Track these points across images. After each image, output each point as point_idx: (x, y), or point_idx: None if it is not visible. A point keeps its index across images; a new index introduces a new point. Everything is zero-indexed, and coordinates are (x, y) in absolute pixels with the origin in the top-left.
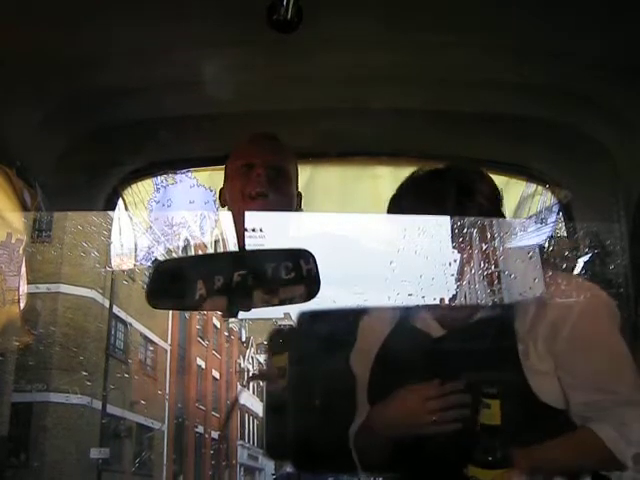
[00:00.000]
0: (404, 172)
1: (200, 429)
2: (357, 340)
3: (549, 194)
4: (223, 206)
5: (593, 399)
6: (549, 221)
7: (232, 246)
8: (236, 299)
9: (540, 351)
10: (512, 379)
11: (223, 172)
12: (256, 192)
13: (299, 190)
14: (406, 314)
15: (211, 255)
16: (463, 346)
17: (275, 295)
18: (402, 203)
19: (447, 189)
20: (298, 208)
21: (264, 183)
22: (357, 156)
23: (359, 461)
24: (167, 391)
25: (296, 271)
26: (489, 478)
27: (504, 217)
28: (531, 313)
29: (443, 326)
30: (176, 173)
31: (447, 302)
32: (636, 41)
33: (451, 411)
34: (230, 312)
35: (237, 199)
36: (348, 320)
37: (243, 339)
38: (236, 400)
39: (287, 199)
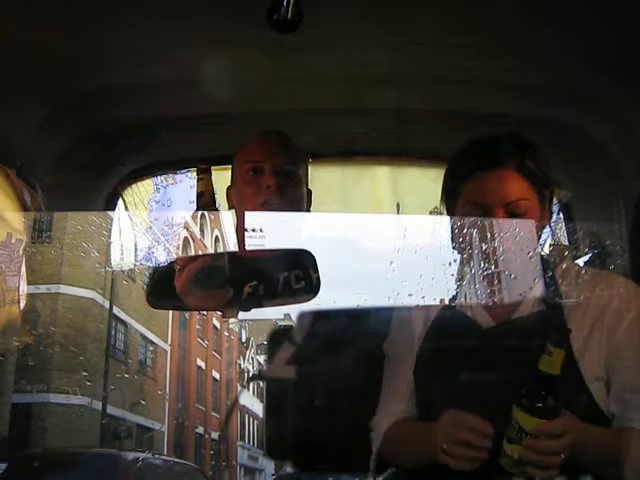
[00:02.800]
0: (404, 172)
1: (200, 429)
2: (392, 328)
3: None
4: (231, 207)
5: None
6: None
7: (232, 246)
8: (245, 309)
9: (594, 351)
10: (565, 377)
11: (230, 171)
12: (266, 203)
13: (309, 187)
14: (454, 301)
15: (218, 259)
16: (513, 340)
17: (283, 304)
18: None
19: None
20: (308, 206)
21: (275, 194)
22: (357, 156)
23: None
24: (167, 391)
25: (306, 280)
26: (532, 426)
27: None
28: (587, 313)
29: (494, 318)
30: (176, 173)
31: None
32: (636, 41)
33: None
34: (230, 313)
35: (245, 205)
36: (349, 320)
37: (243, 340)
38: (236, 401)
39: (297, 204)
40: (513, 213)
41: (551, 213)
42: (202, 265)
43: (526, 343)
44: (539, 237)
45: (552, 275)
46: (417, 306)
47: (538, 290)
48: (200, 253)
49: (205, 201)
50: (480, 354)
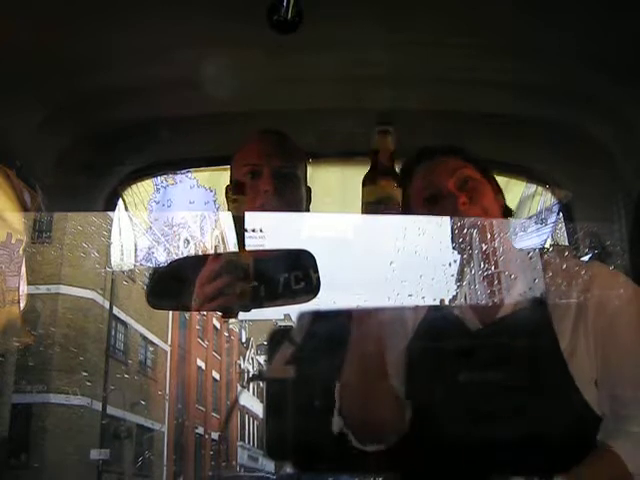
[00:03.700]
0: None
1: (200, 430)
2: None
3: (549, 194)
4: (229, 208)
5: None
6: (549, 221)
7: (232, 246)
8: (245, 309)
9: (582, 347)
10: (554, 378)
11: (229, 171)
12: (264, 207)
13: (308, 185)
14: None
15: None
16: (501, 342)
17: (284, 304)
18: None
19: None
20: (307, 205)
21: (272, 199)
22: (357, 156)
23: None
24: (167, 392)
25: (306, 281)
26: None
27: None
28: (569, 307)
29: (480, 320)
30: (176, 173)
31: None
32: (636, 41)
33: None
34: (230, 313)
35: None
36: (349, 320)
37: (243, 340)
38: (236, 401)
39: (296, 205)
40: (462, 180)
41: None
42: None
43: (514, 342)
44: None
45: (535, 270)
46: (405, 308)
47: (522, 287)
48: (201, 253)
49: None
50: (471, 357)
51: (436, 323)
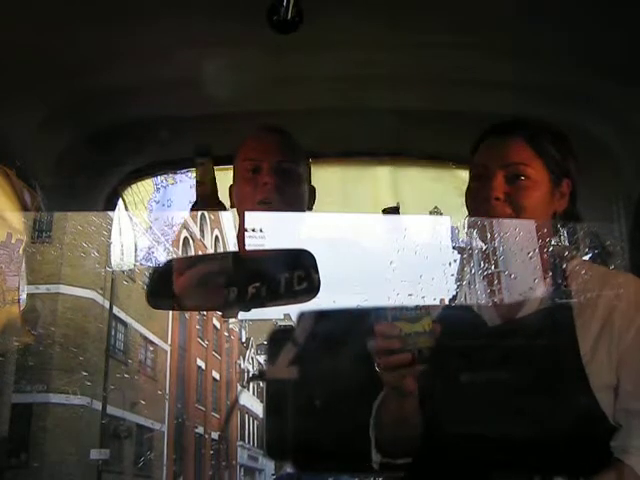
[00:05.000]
0: (404, 172)
1: (200, 430)
2: None
3: None
4: (232, 206)
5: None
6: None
7: (232, 246)
8: (247, 309)
9: (603, 356)
10: (570, 380)
11: (232, 170)
12: (264, 201)
13: (311, 184)
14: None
15: (221, 259)
16: (519, 340)
17: (285, 304)
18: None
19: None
20: (311, 204)
21: (272, 192)
22: (357, 156)
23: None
24: (167, 391)
25: (307, 281)
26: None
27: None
28: (595, 314)
29: (500, 316)
30: (176, 173)
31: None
32: (636, 41)
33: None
34: (231, 313)
35: (244, 204)
36: (349, 320)
37: (243, 340)
38: (236, 401)
39: (297, 202)
40: (513, 175)
41: (569, 208)
42: (204, 272)
43: (532, 341)
44: (551, 229)
45: (561, 273)
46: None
47: (546, 288)
48: (201, 253)
49: (204, 191)
50: (486, 351)
51: (453, 316)
